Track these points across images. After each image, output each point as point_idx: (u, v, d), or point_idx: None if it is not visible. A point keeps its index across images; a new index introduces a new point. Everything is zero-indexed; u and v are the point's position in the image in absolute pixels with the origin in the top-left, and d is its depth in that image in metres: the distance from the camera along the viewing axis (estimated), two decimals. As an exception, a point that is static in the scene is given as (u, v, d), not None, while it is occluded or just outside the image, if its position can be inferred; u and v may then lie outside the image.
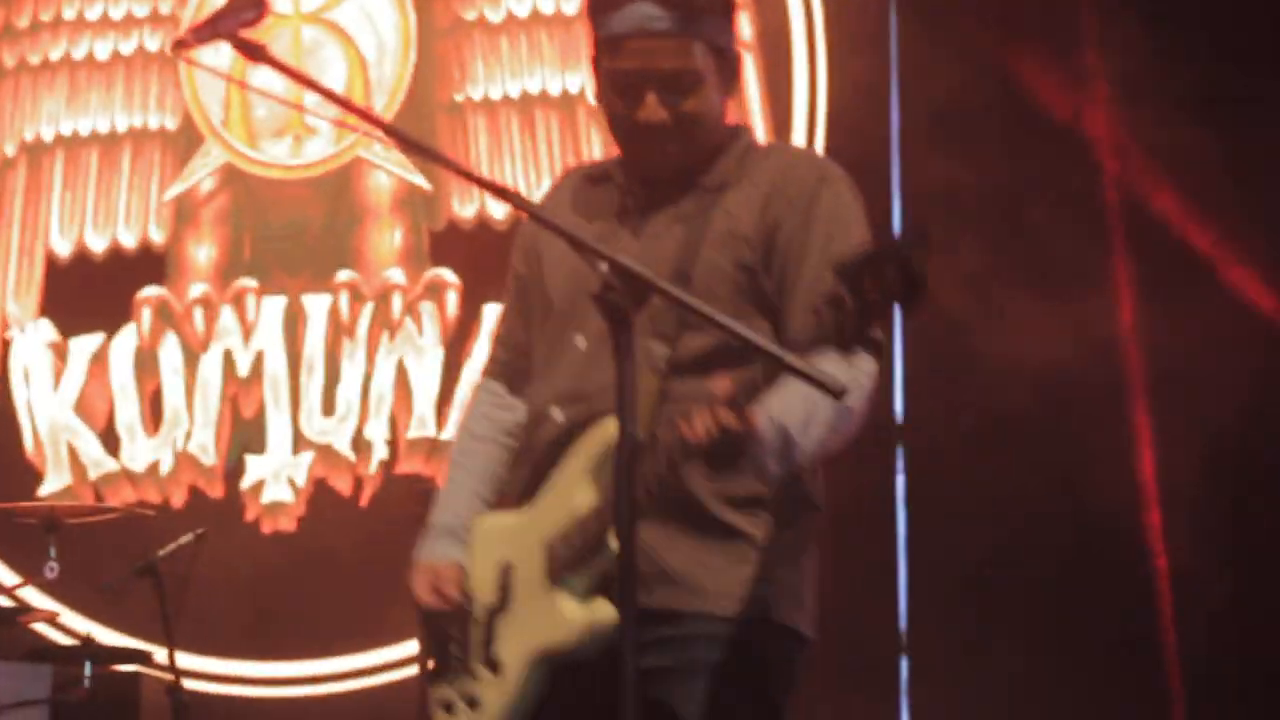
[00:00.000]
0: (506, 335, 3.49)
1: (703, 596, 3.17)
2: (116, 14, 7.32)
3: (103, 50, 7.31)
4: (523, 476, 3.33)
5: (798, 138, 6.59)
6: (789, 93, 6.68)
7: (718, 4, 3.26)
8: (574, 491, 3.18)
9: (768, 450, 2.99)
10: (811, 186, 3.27)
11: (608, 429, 3.10)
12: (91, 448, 7.08)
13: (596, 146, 6.77)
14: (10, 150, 7.33)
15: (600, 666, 3.02)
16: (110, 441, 7.07)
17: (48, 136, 7.32)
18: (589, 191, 3.40)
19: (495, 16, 6.98)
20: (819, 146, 6.53)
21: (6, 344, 7.21)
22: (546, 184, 5.67)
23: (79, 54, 7.33)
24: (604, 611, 3.12)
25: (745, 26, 6.73)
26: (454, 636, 3.34)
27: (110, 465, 7.06)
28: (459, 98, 6.99)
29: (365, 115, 2.98)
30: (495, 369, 3.50)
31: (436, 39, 7.06)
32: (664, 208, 3.29)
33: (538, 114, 6.89)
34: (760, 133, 6.65)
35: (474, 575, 3.33)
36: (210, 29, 2.92)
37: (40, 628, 6.68)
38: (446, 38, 7.04)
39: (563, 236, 2.80)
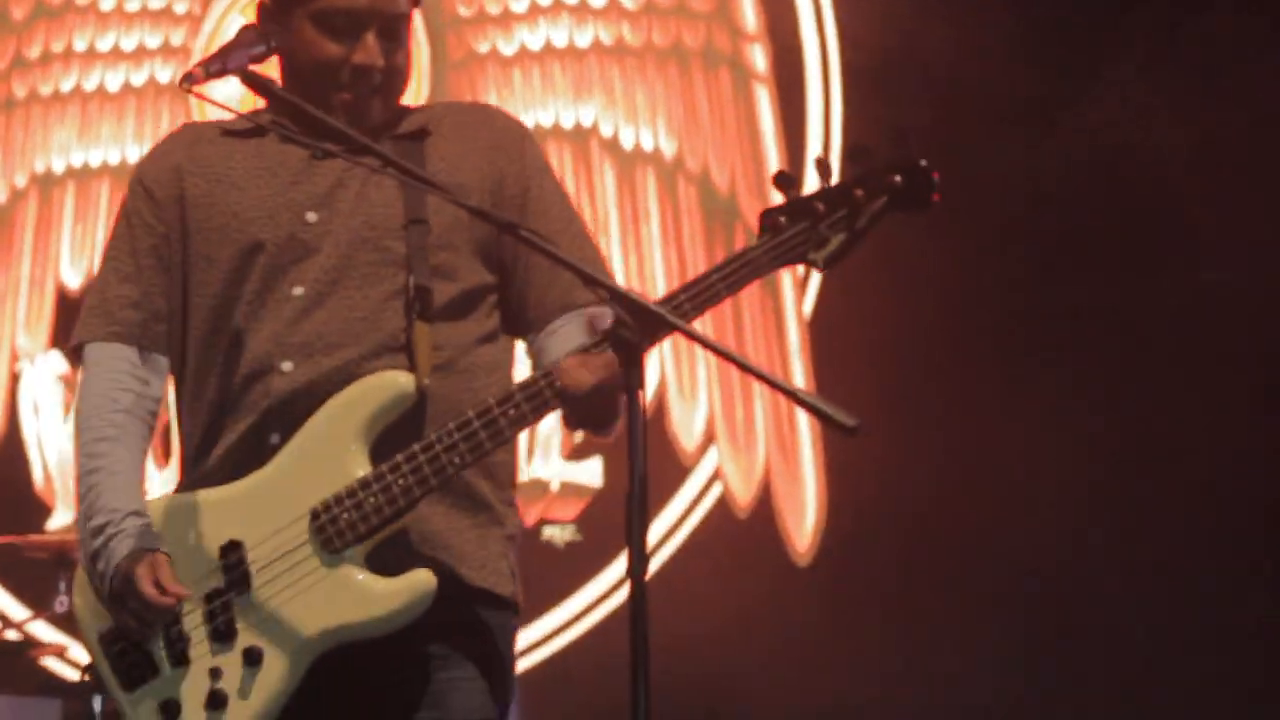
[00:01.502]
0: (143, 297, 3.13)
1: (468, 565, 2.99)
2: (128, 45, 7.31)
3: (114, 82, 7.30)
4: (239, 440, 3.03)
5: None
6: (803, 125, 6.69)
7: None
8: (344, 454, 2.92)
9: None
10: (520, 139, 3.14)
11: (382, 384, 2.92)
12: (101, 481, 7.05)
13: (609, 178, 6.76)
14: (21, 182, 7.31)
15: (378, 647, 2.88)
16: (120, 475, 7.04)
17: (58, 168, 7.30)
18: (241, 145, 3.15)
19: (508, 49, 6.97)
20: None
21: (16, 376, 7.18)
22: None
23: (90, 85, 7.31)
24: (425, 580, 2.87)
25: (759, 58, 6.71)
26: (154, 633, 2.95)
27: (120, 499, 7.03)
28: (471, 130, 6.97)
29: (373, 150, 2.88)
30: (124, 333, 3.14)
31: (450, 71, 7.04)
32: (358, 157, 3.00)
33: (550, 146, 6.87)
34: (772, 164, 6.63)
35: (180, 563, 2.94)
36: (219, 63, 2.91)
37: (49, 662, 6.64)
38: (460, 70, 7.02)
39: (581, 274, 2.73)
